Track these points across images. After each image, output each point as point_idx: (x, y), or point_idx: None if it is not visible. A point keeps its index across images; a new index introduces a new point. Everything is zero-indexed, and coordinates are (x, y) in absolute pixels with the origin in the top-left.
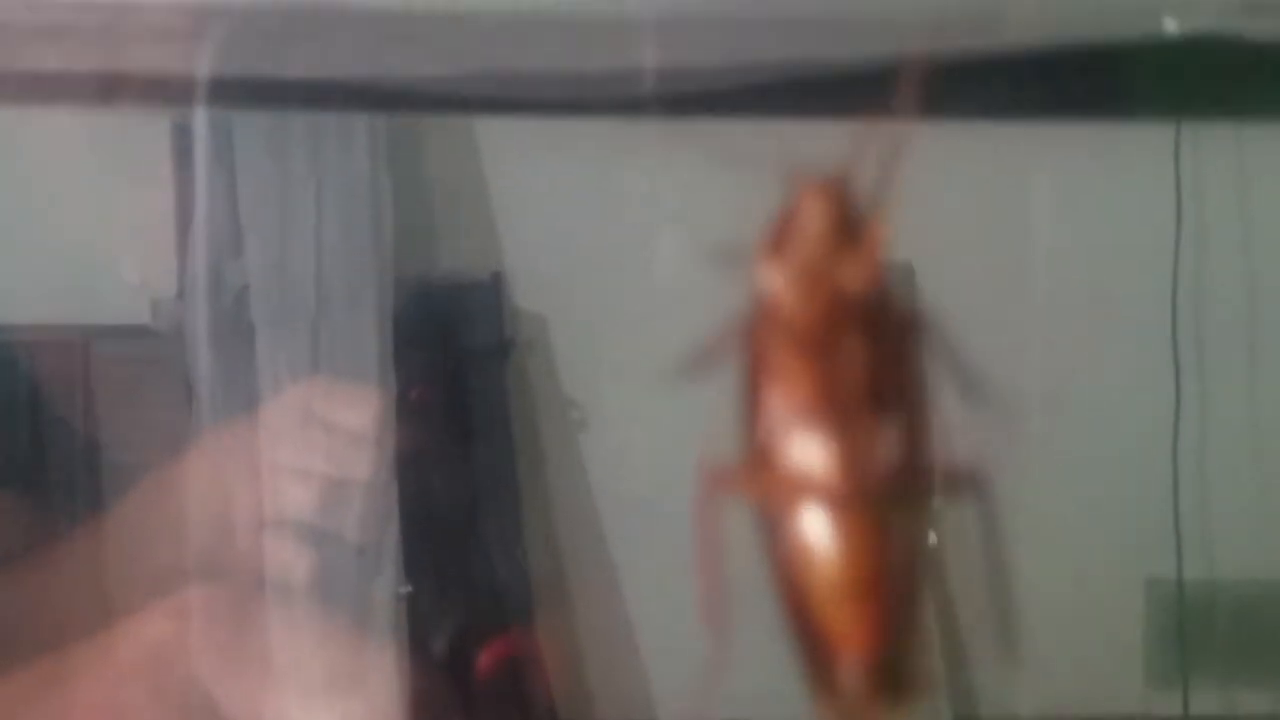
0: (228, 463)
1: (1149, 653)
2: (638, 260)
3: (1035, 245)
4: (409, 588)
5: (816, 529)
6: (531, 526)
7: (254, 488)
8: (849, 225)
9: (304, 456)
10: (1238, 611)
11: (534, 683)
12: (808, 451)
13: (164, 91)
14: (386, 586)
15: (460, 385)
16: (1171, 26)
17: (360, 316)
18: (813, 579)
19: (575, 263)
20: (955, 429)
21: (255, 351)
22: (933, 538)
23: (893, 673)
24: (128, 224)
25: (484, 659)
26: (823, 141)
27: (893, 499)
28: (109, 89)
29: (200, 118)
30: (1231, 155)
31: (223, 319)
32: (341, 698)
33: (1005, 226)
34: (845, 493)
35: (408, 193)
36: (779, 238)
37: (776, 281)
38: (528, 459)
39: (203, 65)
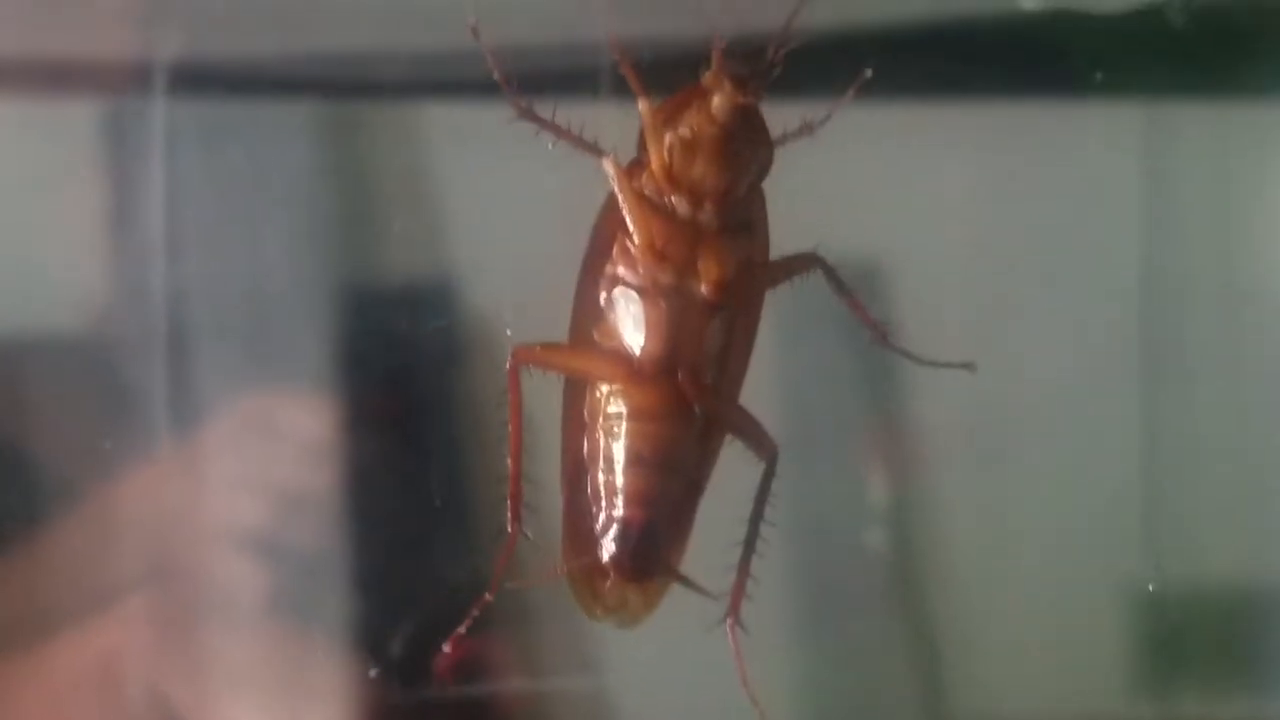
0: (180, 473)
1: (1130, 658)
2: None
3: (996, 231)
4: (377, 669)
5: (619, 408)
6: (490, 530)
7: (206, 499)
8: (738, 130)
9: (258, 469)
10: (1218, 616)
11: (491, 683)
12: (630, 326)
13: (95, 81)
14: (339, 599)
15: (412, 392)
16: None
17: (302, 323)
18: (601, 450)
19: (533, 263)
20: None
21: (192, 358)
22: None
23: (648, 551)
24: (58, 226)
25: (441, 661)
26: None
27: (684, 412)
28: (36, 77)
29: (133, 113)
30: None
31: (155, 326)
32: (292, 705)
33: (965, 214)
34: (645, 378)
35: (352, 191)
36: (666, 118)
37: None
38: (485, 466)
39: (140, 51)
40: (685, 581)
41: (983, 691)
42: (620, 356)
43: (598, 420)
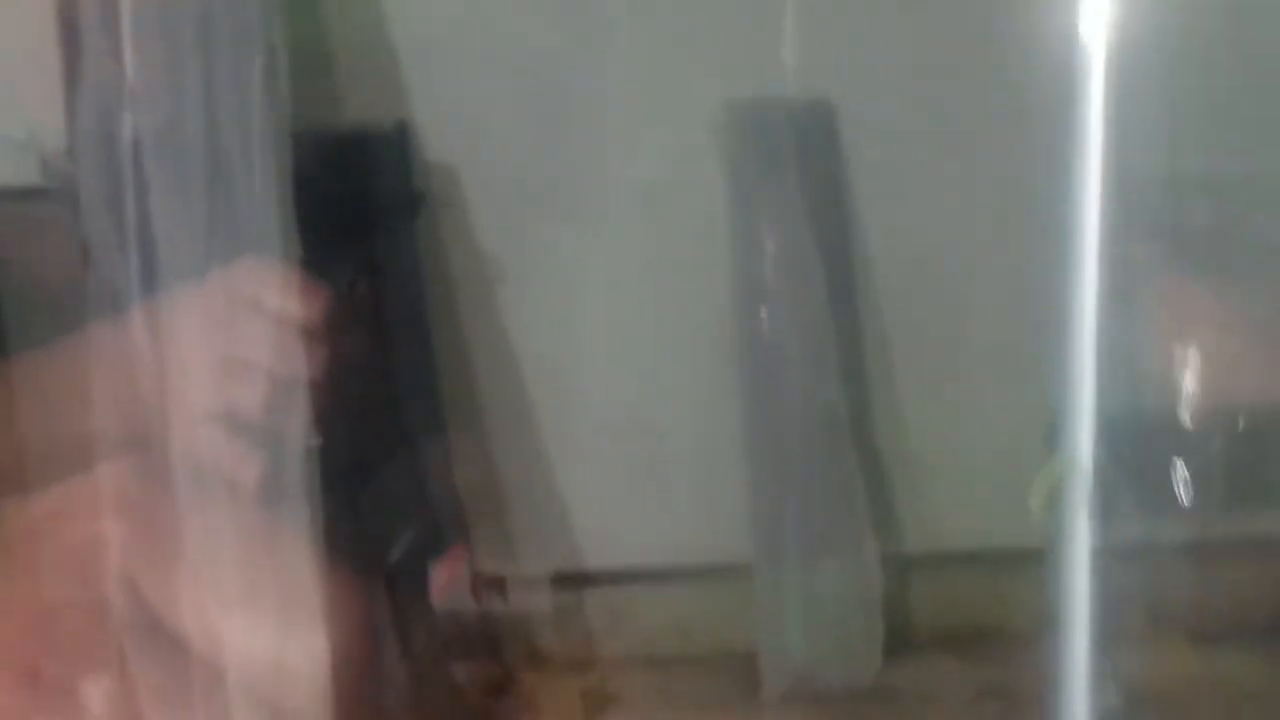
0: (160, 342)
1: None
2: (551, 106)
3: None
4: (319, 439)
5: None
6: (451, 382)
7: (193, 374)
8: None
9: (252, 349)
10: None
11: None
12: None
13: None
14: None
15: (368, 241)
16: None
17: (257, 172)
18: None
19: (486, 111)
20: None
21: (150, 209)
22: None
23: None
24: (11, 80)
25: (439, 576)
26: None
27: None
28: None
29: None
30: None
31: (115, 175)
32: (274, 603)
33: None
34: None
35: (305, 39)
36: None
37: None
38: (445, 315)
39: None
40: None
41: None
42: None
43: None
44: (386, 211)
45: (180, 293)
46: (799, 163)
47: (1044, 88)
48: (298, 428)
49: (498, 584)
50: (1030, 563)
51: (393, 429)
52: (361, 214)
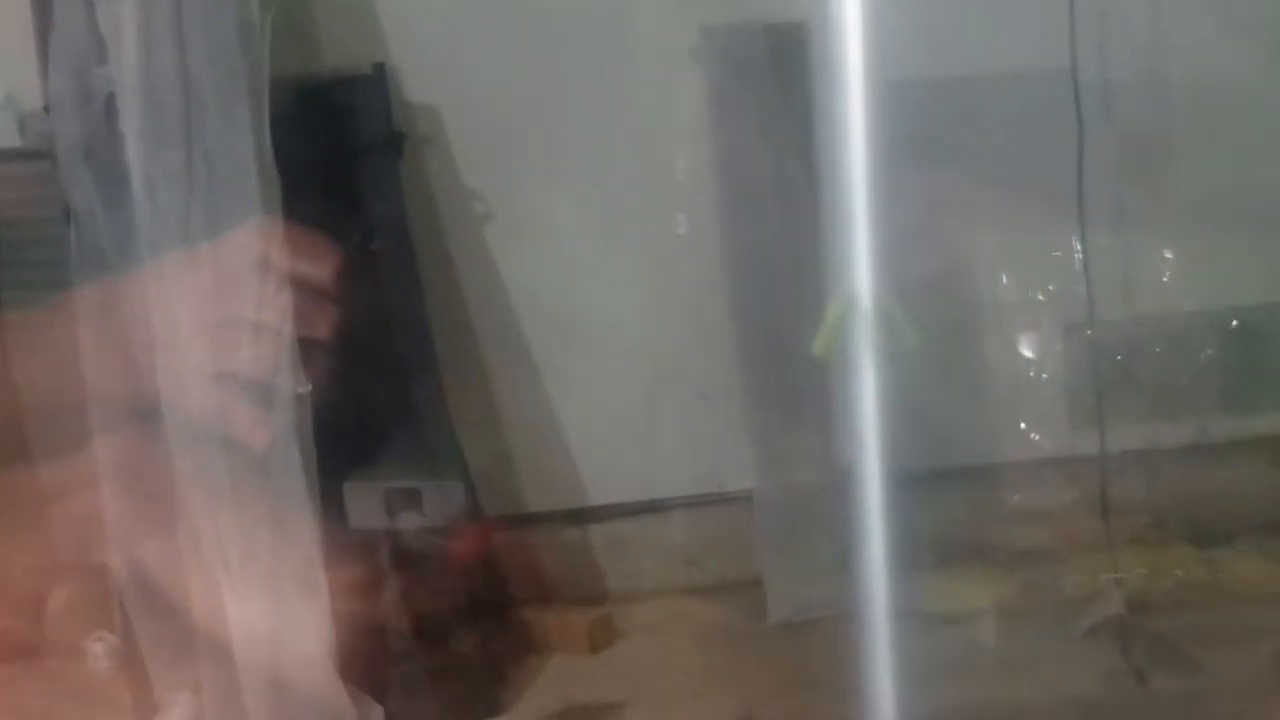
0: (163, 304)
1: (1070, 396)
2: (529, 41)
3: None
4: (309, 386)
5: None
6: (444, 323)
7: (198, 336)
8: None
9: (263, 311)
10: (1150, 349)
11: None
12: None
13: None
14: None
15: (351, 185)
16: None
17: (235, 118)
18: None
19: (464, 51)
20: None
21: (128, 162)
22: None
23: None
24: None
25: (460, 547)
26: None
27: None
28: None
29: None
30: None
31: (93, 130)
32: (273, 563)
33: None
34: None
35: None
36: None
37: None
38: (432, 255)
39: None
40: None
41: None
42: None
43: None
44: (368, 154)
45: (182, 254)
46: (778, 85)
47: None
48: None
49: (501, 524)
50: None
51: (386, 374)
52: (342, 158)
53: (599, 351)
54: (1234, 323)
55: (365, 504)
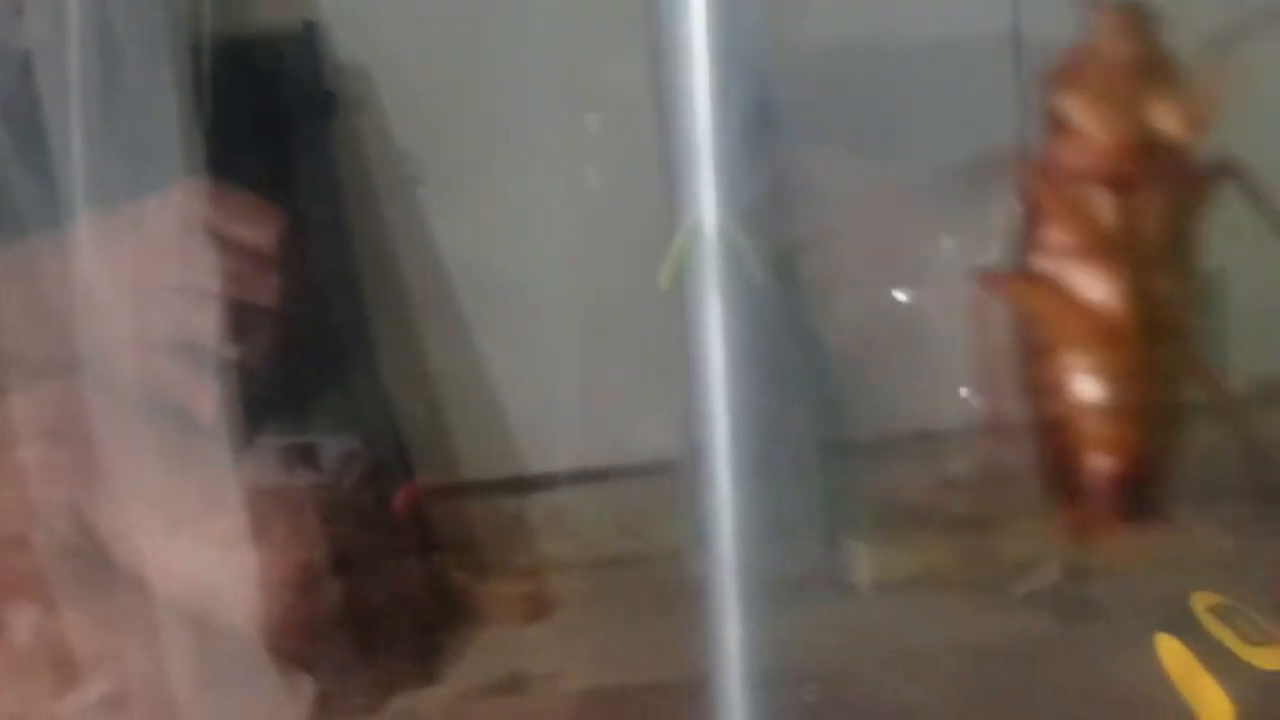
0: (94, 266)
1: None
2: (465, 4)
3: None
4: (236, 349)
5: (1091, 354)
6: (377, 289)
7: (125, 297)
8: (1157, 58)
9: (189, 272)
10: None
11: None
12: (1094, 292)
13: None
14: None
15: (280, 146)
16: None
17: (157, 78)
18: (1082, 398)
19: (398, 11)
20: None
21: (47, 122)
22: None
23: (1140, 497)
24: None
25: (400, 499)
26: None
27: (1167, 335)
28: None
29: None
30: None
31: (8, 89)
32: (203, 522)
33: None
34: (1122, 331)
35: None
36: (1078, 65)
37: (1077, 113)
38: (365, 218)
39: None
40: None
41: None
42: (1091, 317)
43: (1074, 376)
44: (298, 115)
45: (103, 216)
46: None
47: None
48: (220, 345)
49: (438, 492)
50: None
51: (316, 338)
52: (271, 119)
53: (537, 317)
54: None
55: (264, 461)
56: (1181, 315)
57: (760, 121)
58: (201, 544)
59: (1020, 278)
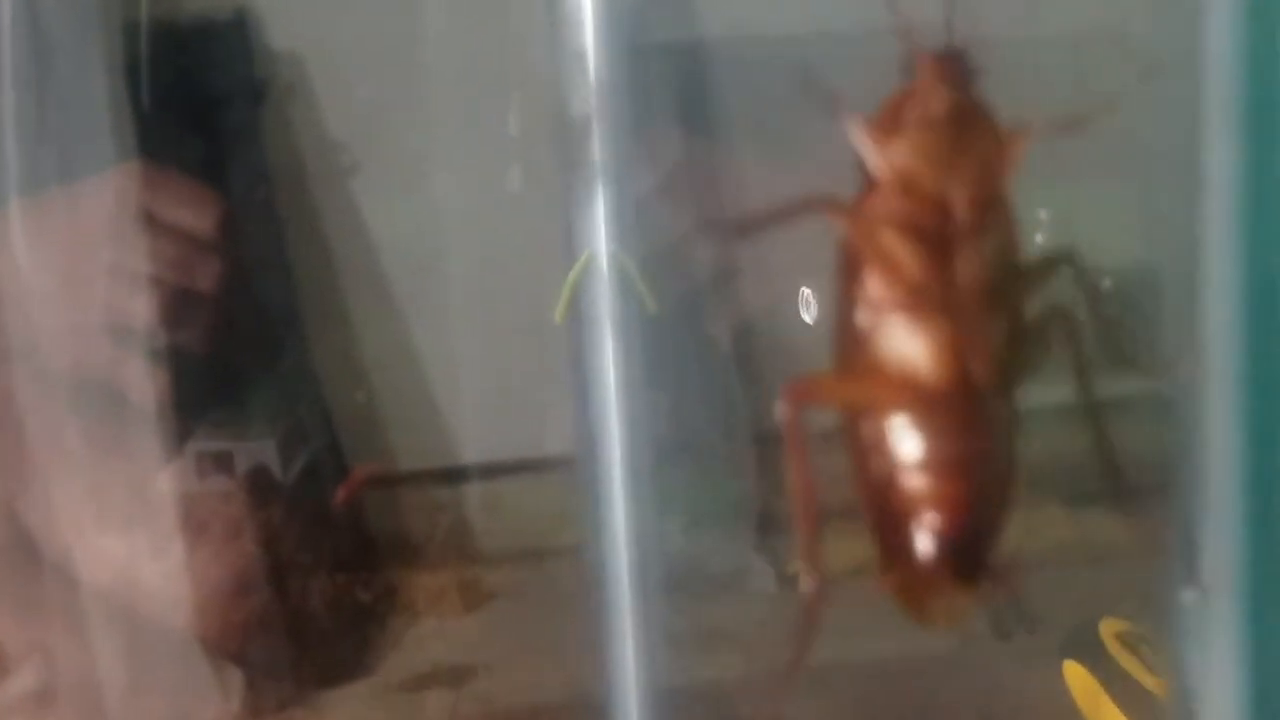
0: (16, 252)
1: None
2: None
3: None
4: (165, 338)
5: (914, 418)
6: (309, 279)
7: (55, 284)
8: (973, 106)
9: (144, 261)
10: None
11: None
12: (913, 345)
13: None
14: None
15: (211, 131)
16: None
17: (87, 64)
18: (903, 463)
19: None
20: None
21: None
22: None
23: (969, 557)
24: None
25: (341, 491)
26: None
27: (991, 388)
28: None
29: None
30: None
31: None
32: (139, 514)
33: None
34: (948, 389)
35: None
36: (894, 115)
37: (893, 164)
38: (297, 207)
39: None
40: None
41: None
42: (906, 379)
43: (892, 436)
44: (228, 102)
45: (32, 202)
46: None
47: None
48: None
49: (371, 483)
50: None
51: (246, 327)
52: (202, 106)
53: (471, 306)
54: (1108, 282)
55: (228, 457)
56: (1006, 367)
57: (683, 125)
58: (131, 537)
59: (812, 384)
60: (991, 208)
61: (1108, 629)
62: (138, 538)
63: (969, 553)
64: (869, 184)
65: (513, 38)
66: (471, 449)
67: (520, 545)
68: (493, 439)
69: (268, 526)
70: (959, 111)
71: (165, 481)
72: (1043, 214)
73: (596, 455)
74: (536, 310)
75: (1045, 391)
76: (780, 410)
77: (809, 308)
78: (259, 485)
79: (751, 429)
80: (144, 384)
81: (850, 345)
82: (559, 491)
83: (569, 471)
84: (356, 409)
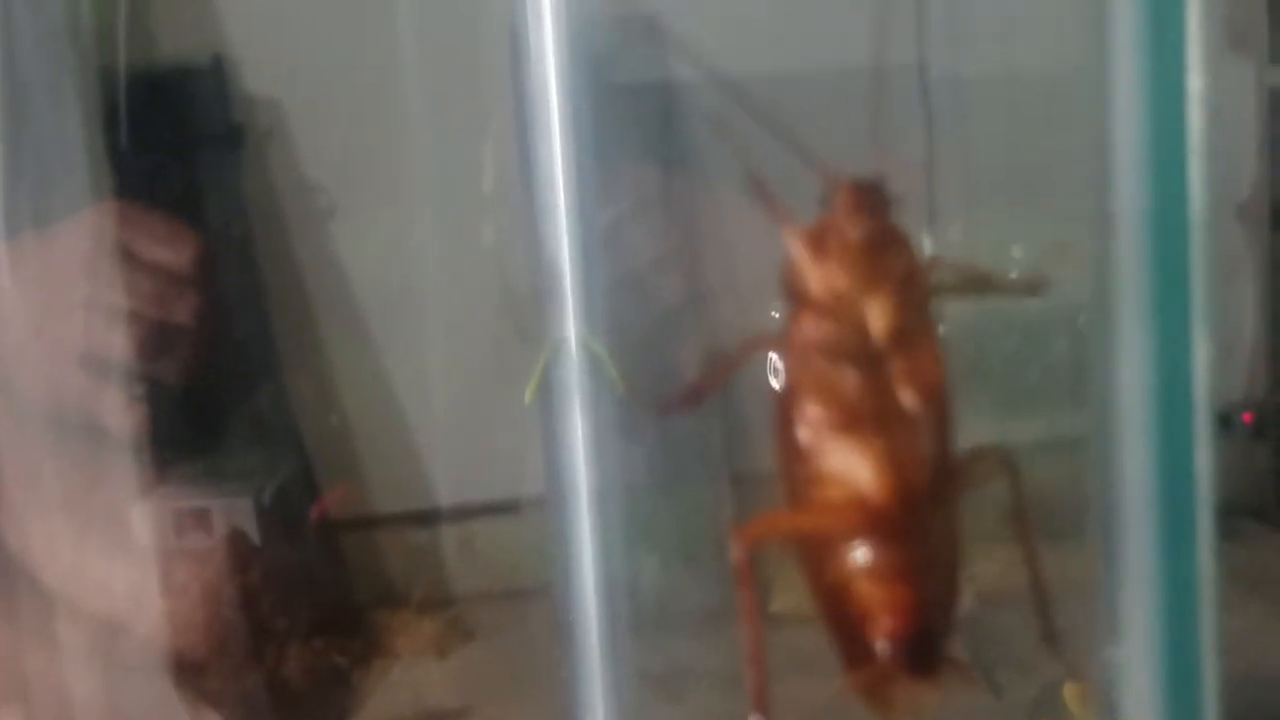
0: (12, 282)
1: None
2: (373, 31)
3: None
4: (142, 384)
5: (861, 532)
6: (286, 321)
7: (52, 316)
8: (890, 232)
9: (122, 295)
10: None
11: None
12: (851, 462)
13: None
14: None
15: (188, 176)
16: None
17: (64, 108)
18: (855, 573)
19: (307, 42)
20: None
21: None
22: None
23: (924, 653)
24: None
25: (314, 512)
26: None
27: (931, 496)
28: None
29: None
30: None
31: None
32: (116, 542)
33: None
34: (889, 501)
35: None
36: (815, 244)
37: (816, 288)
38: (274, 252)
39: None
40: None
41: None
42: (848, 502)
43: (842, 550)
44: (206, 147)
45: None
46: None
47: None
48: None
49: (346, 525)
50: None
51: (223, 370)
52: (179, 150)
53: (448, 349)
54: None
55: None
56: (942, 475)
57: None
58: (110, 566)
59: (762, 524)
60: (912, 326)
61: (1070, 692)
62: (116, 568)
63: (924, 649)
64: (798, 308)
65: (484, 87)
66: (447, 491)
67: (498, 586)
68: (467, 480)
69: (245, 589)
70: (876, 238)
71: (143, 533)
72: (1015, 252)
73: (564, 497)
74: (514, 354)
75: (1024, 426)
76: (732, 553)
77: (778, 376)
78: (237, 548)
79: (729, 465)
80: (121, 415)
81: (794, 468)
82: (535, 532)
83: (541, 512)
84: (333, 454)
